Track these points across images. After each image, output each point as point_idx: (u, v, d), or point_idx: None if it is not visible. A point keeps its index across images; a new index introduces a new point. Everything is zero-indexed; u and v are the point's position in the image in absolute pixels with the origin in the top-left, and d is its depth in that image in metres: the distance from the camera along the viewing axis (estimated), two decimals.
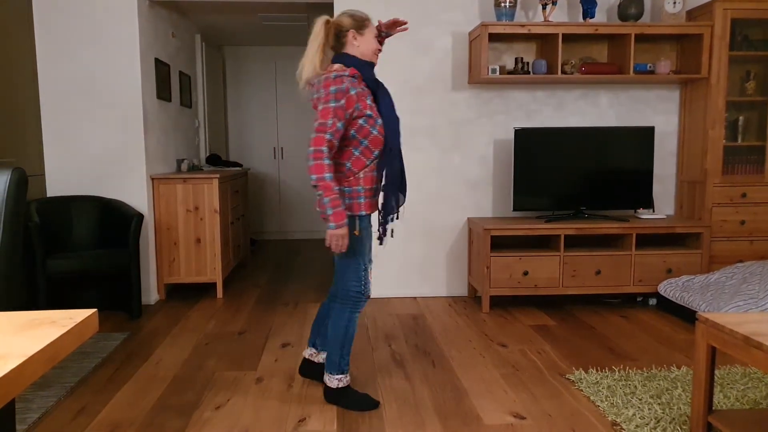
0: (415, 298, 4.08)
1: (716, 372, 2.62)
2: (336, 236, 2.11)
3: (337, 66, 2.18)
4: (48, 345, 0.80)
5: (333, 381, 2.32)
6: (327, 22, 2.23)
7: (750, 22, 3.85)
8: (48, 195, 3.78)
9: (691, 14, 3.91)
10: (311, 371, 2.56)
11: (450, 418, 2.24)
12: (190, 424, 2.20)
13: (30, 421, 2.20)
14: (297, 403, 2.37)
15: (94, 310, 0.96)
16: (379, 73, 3.93)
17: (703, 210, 3.82)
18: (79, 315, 0.93)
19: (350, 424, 2.20)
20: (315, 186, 2.09)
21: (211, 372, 2.72)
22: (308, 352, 2.55)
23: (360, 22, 2.22)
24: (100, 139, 3.77)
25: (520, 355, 2.91)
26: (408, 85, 3.96)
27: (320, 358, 2.53)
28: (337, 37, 2.24)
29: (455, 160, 4.04)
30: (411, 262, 4.08)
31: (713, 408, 2.03)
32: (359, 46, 2.22)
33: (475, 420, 2.22)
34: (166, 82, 4.31)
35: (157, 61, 4.10)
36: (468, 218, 4.05)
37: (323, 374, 2.43)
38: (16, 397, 2.35)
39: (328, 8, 4.70)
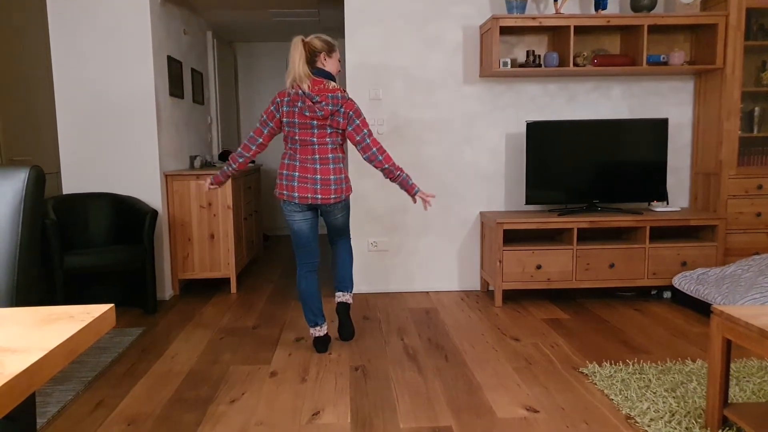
0: (427, 292, 4.08)
1: (732, 365, 2.59)
2: None
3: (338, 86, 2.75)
4: (67, 339, 0.81)
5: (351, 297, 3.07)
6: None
7: (766, 11, 3.78)
8: (64, 192, 3.83)
9: (706, 4, 3.85)
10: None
11: (463, 411, 2.25)
12: (206, 418, 2.23)
13: (49, 415, 2.24)
14: (311, 397, 2.39)
15: (112, 305, 0.98)
16: (390, 67, 3.93)
17: (718, 202, 3.78)
18: (97, 310, 0.95)
19: (364, 417, 2.21)
20: (392, 170, 2.76)
21: (225, 366, 2.75)
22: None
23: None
24: (114, 136, 3.81)
25: (533, 349, 2.90)
26: (419, 79, 3.95)
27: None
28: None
29: (467, 153, 4.02)
30: (423, 257, 4.09)
31: (729, 401, 2.01)
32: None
33: (488, 413, 2.22)
34: (178, 79, 4.34)
35: (169, 58, 4.13)
36: (480, 212, 4.04)
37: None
38: (36, 390, 2.40)
39: (339, 4, 4.70)
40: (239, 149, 2.81)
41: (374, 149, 2.73)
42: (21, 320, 0.91)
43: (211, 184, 2.92)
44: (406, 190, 2.80)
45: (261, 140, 2.77)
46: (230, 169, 2.86)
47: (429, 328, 3.27)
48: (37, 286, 1.20)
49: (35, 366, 0.72)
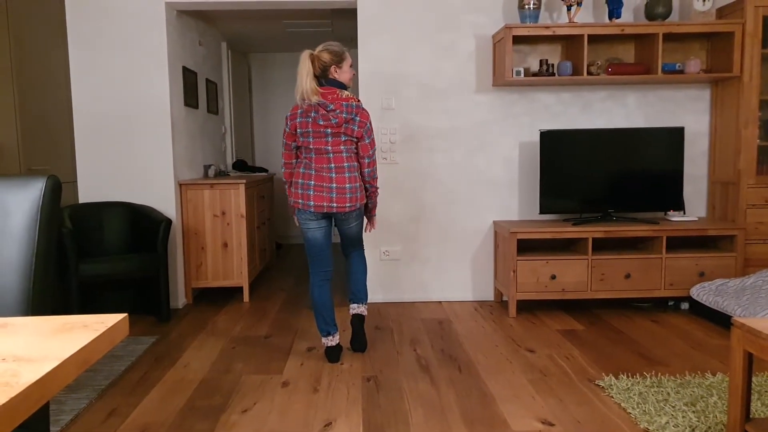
0: (440, 302, 4.06)
1: (753, 379, 2.54)
2: None
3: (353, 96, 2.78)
4: (81, 349, 0.81)
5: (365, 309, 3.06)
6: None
7: None
8: (80, 201, 3.88)
9: (721, 12, 3.81)
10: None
11: (476, 423, 2.22)
12: (218, 427, 2.22)
13: (63, 423, 2.25)
14: (323, 408, 2.38)
15: (125, 314, 0.98)
16: (403, 76, 3.94)
17: (737, 211, 3.72)
18: (111, 320, 0.95)
19: (376, 428, 2.19)
20: (375, 189, 2.91)
21: (237, 375, 2.75)
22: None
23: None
24: (129, 146, 3.85)
25: (548, 361, 2.87)
26: (432, 88, 3.95)
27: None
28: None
29: (480, 162, 4.01)
30: (436, 266, 4.06)
31: (750, 416, 1.96)
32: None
33: (502, 426, 2.19)
34: (193, 89, 4.38)
35: (184, 69, 4.17)
36: (494, 221, 4.01)
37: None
38: (50, 399, 2.40)
39: (352, 14, 4.73)
40: (284, 178, 2.94)
41: (374, 167, 2.88)
42: (36, 329, 0.91)
43: (295, 215, 2.95)
44: (370, 209, 2.99)
45: (286, 161, 2.87)
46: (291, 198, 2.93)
47: (442, 339, 3.24)
48: (52, 294, 1.20)
49: (49, 375, 0.72)
